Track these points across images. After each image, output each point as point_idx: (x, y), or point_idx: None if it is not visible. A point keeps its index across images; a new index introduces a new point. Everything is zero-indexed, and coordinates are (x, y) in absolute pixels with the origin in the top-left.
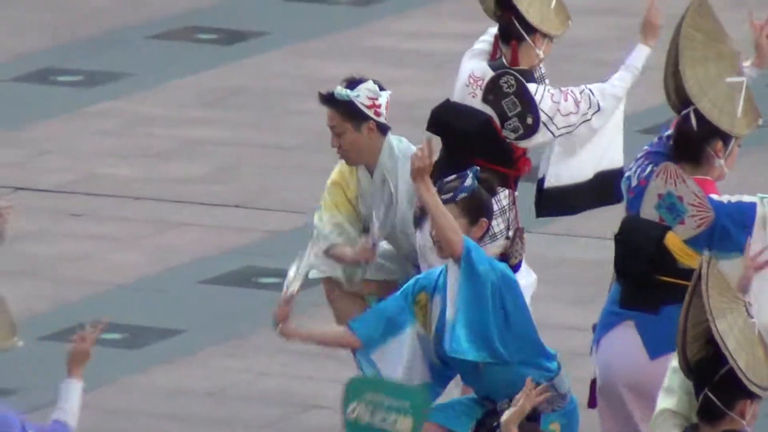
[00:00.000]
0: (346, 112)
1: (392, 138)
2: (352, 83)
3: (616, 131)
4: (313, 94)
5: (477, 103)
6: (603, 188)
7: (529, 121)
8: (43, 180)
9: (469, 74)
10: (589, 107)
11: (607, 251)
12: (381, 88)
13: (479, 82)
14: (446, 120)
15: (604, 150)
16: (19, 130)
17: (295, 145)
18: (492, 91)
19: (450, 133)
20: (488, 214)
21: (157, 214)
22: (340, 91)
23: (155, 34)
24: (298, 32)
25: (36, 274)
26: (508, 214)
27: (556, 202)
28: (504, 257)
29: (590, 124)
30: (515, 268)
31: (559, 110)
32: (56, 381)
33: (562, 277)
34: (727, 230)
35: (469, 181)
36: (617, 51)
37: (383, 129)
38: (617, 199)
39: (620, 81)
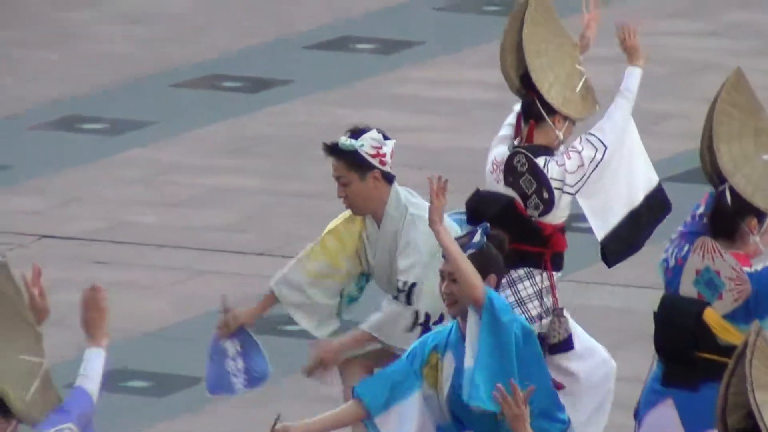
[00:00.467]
0: (350, 162)
1: (400, 189)
2: (356, 133)
3: (638, 154)
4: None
5: (501, 187)
6: (655, 207)
7: (545, 195)
8: (68, 228)
9: (492, 161)
10: (596, 151)
11: (633, 299)
12: (385, 137)
13: (500, 167)
14: (477, 209)
15: (635, 177)
16: (45, 178)
17: (319, 193)
18: (510, 173)
19: (483, 221)
20: (497, 269)
21: (182, 261)
22: (345, 141)
23: (179, 82)
24: (322, 80)
25: (61, 322)
26: (544, 298)
27: (619, 247)
28: (541, 338)
29: (603, 164)
30: (561, 347)
31: (566, 170)
32: None
33: (587, 325)
34: (762, 296)
35: (477, 237)
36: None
37: (389, 178)
38: (670, 206)
39: (617, 110)
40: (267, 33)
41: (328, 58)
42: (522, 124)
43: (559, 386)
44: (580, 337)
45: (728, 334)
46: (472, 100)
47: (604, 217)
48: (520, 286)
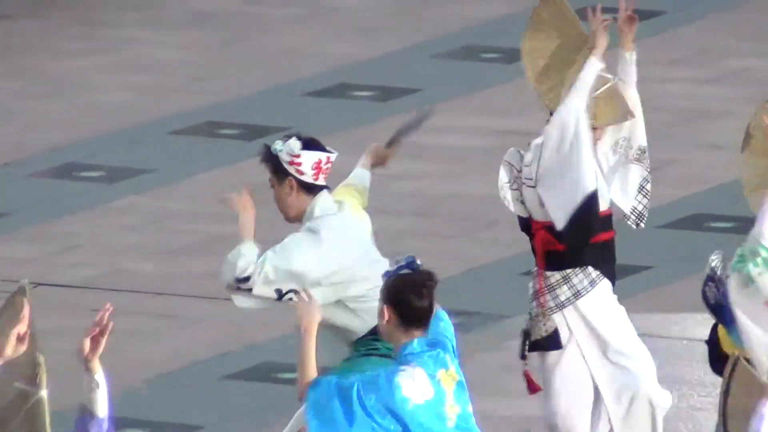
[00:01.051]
0: (272, 166)
1: (323, 202)
2: (287, 138)
3: (588, 143)
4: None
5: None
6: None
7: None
8: (66, 275)
9: None
10: (542, 137)
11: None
12: (317, 149)
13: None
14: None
15: (586, 166)
16: (43, 225)
17: None
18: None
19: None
20: (394, 303)
21: (179, 309)
22: (274, 144)
23: (177, 129)
24: (318, 127)
25: (57, 372)
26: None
27: (578, 234)
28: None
29: (549, 148)
30: (542, 345)
31: (524, 165)
32: None
33: None
34: None
35: (393, 266)
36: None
37: (308, 188)
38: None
39: (565, 97)
40: (265, 81)
41: (326, 106)
42: None
43: (534, 388)
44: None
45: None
46: (470, 147)
47: (564, 206)
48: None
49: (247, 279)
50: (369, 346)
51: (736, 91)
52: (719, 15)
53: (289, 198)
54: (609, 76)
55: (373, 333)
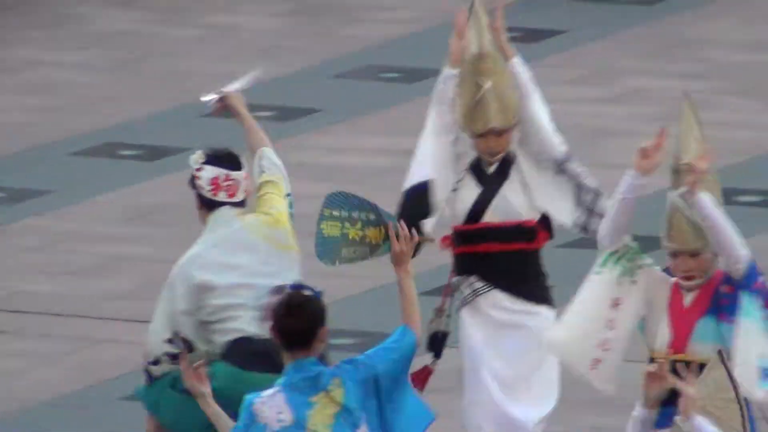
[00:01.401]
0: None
1: (217, 215)
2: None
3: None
4: None
5: None
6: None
7: None
8: None
9: None
10: None
11: None
12: (220, 165)
13: None
14: None
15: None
16: None
17: None
18: None
19: None
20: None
21: (80, 330)
22: (190, 159)
23: (78, 150)
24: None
25: None
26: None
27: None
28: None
29: None
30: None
31: None
32: None
33: None
34: None
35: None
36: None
37: (206, 203)
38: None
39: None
40: (164, 101)
41: (222, 125)
42: None
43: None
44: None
45: None
46: (369, 167)
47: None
48: None
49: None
50: None
51: (635, 109)
52: (620, 34)
53: (198, 212)
54: (483, 84)
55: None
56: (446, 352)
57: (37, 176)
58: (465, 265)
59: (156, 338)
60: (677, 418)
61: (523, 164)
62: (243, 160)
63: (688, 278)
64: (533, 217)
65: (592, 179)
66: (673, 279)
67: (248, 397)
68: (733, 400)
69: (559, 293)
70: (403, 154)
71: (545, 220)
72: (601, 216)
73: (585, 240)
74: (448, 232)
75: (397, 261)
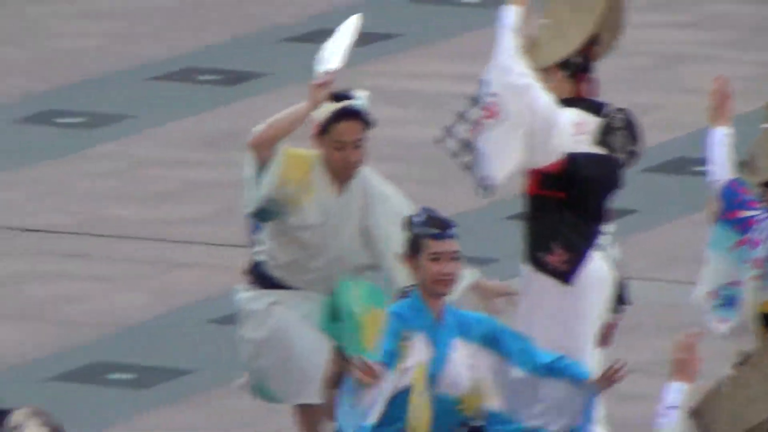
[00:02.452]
0: (366, 122)
1: None
2: (349, 93)
3: None
4: (309, 134)
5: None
6: None
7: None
8: (46, 221)
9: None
10: None
11: None
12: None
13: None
14: (580, 171)
15: None
16: (21, 171)
17: None
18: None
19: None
20: None
21: (160, 254)
22: (362, 102)
23: (156, 75)
24: (299, 73)
25: (41, 317)
26: None
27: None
28: None
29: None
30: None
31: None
32: (66, 422)
33: None
34: None
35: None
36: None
37: None
38: None
39: None
40: (243, 26)
41: (304, 51)
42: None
43: None
44: None
45: None
46: (446, 93)
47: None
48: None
49: None
50: None
51: (712, 35)
52: None
53: None
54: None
55: None
56: None
57: (115, 102)
58: None
59: None
60: None
61: None
62: None
63: None
64: None
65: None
66: None
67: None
68: None
69: (641, 218)
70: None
71: None
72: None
73: (666, 164)
74: None
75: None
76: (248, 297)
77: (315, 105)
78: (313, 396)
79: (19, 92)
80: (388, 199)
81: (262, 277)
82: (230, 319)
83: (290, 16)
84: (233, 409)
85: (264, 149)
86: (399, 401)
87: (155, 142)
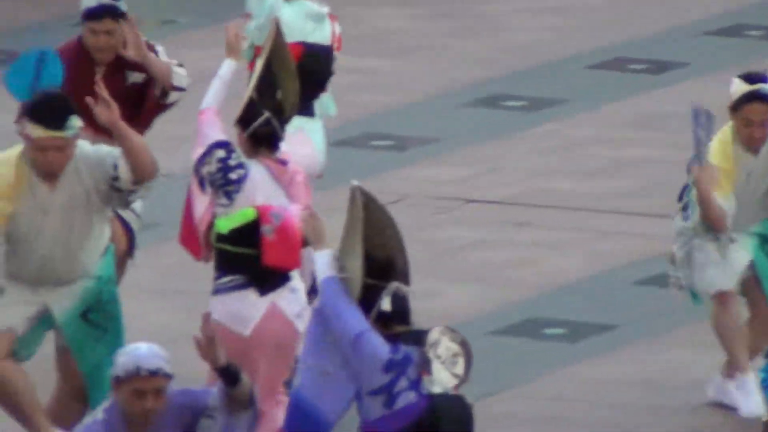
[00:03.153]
0: None
1: None
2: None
3: None
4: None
5: None
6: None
7: None
8: (491, 193)
9: None
10: None
11: None
12: None
13: None
14: None
15: None
16: (470, 149)
17: None
18: None
19: None
20: None
21: (593, 223)
22: None
23: (590, 64)
24: (716, 64)
25: (485, 279)
26: None
27: None
28: None
29: None
30: None
31: None
32: (500, 373)
33: None
34: None
35: None
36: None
37: None
38: None
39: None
40: (667, 21)
41: (721, 43)
42: None
43: None
44: None
45: None
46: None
47: None
48: None
49: None
50: None
51: None
52: None
53: None
54: None
55: None
56: None
57: (553, 87)
58: None
59: None
60: None
61: None
62: None
63: None
64: None
65: None
66: None
67: None
68: None
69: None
70: None
71: None
72: None
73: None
74: None
75: None
76: None
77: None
78: None
79: (472, 79)
80: None
81: None
82: (653, 281)
83: (709, 11)
84: (653, 360)
85: None
86: None
87: (589, 124)
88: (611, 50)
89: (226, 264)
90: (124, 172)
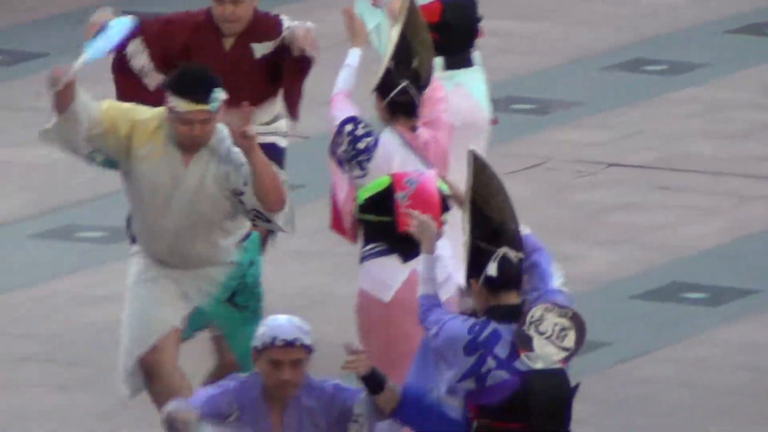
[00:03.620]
0: None
1: None
2: None
3: None
4: None
5: None
6: None
7: None
8: (633, 157)
9: None
10: None
11: None
12: None
13: None
14: None
15: None
16: (611, 113)
17: None
18: None
19: None
20: None
21: (734, 187)
22: None
23: (731, 29)
24: None
25: (626, 242)
26: None
27: None
28: None
29: None
30: None
31: None
32: (641, 337)
33: None
34: None
35: None
36: None
37: None
38: None
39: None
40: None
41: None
42: None
43: None
44: None
45: None
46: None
47: None
48: None
49: None
50: None
51: None
52: None
53: None
54: None
55: None
56: None
57: (693, 52)
58: None
59: None
60: None
61: None
62: None
63: None
64: None
65: None
66: None
67: None
68: None
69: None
70: None
71: None
72: None
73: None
74: None
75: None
76: None
77: None
78: None
79: (613, 44)
80: None
81: None
82: None
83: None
84: None
85: None
86: None
87: (728, 88)
88: (751, 15)
89: (368, 233)
90: (249, 196)
